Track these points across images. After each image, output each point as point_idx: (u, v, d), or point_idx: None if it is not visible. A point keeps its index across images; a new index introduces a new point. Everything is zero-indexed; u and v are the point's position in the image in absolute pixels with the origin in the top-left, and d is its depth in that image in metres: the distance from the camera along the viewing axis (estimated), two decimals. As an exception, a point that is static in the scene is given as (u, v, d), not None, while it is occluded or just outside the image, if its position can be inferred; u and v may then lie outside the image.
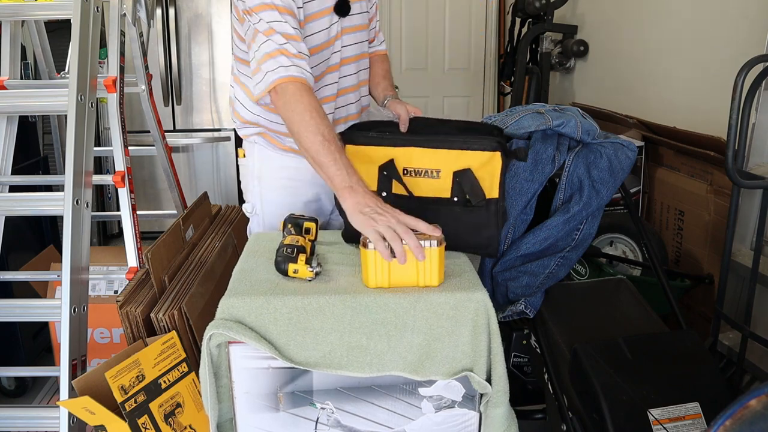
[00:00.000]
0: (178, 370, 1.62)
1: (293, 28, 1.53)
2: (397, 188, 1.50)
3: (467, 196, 1.46)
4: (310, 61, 1.56)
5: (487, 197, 1.46)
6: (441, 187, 1.48)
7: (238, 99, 1.80)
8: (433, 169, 1.47)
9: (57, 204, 1.82)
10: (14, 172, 2.24)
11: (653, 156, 2.89)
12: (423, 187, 1.50)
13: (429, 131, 1.56)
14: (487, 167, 1.44)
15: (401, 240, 1.26)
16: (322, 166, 1.39)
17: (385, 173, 1.48)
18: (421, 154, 1.47)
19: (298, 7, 1.58)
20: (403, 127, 1.57)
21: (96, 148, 2.12)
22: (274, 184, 1.82)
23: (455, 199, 1.48)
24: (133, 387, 1.51)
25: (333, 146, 1.39)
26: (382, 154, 1.49)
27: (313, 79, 1.53)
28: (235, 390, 1.32)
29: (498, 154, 1.42)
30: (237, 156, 4.17)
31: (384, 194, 1.48)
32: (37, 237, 2.79)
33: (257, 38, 1.51)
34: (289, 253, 1.37)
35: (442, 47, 4.94)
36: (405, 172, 1.49)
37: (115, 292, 2.39)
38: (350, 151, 1.49)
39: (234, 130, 3.94)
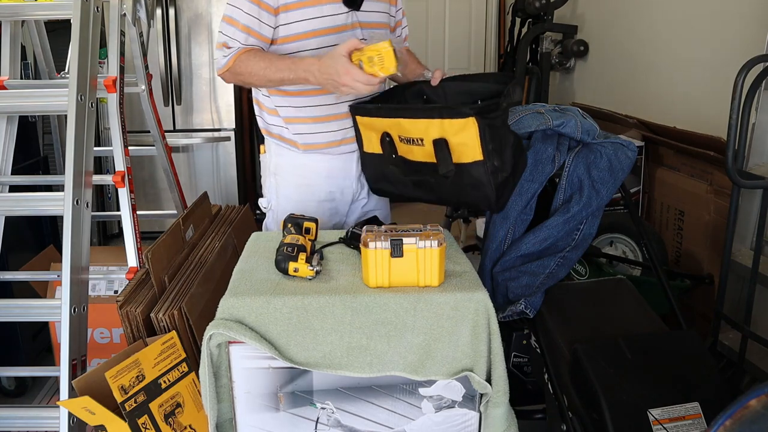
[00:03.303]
0: (178, 370, 1.62)
1: (246, 14, 1.66)
2: (401, 151, 1.62)
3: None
4: (307, 43, 1.70)
5: (473, 160, 1.51)
6: (428, 154, 1.56)
7: (263, 117, 1.86)
8: (418, 138, 1.55)
9: (57, 204, 1.82)
10: (14, 172, 2.23)
11: (653, 156, 2.89)
12: (416, 153, 1.59)
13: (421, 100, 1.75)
14: (464, 132, 1.48)
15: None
16: (294, 82, 1.64)
17: (387, 139, 1.63)
18: (407, 124, 1.56)
19: None
20: (435, 83, 1.71)
21: (96, 148, 2.12)
22: (290, 180, 1.84)
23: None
24: (133, 387, 1.51)
25: (278, 67, 1.62)
26: (380, 124, 1.63)
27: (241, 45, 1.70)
28: (235, 390, 1.32)
29: (471, 119, 1.46)
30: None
31: (394, 156, 1.63)
32: (37, 237, 2.78)
33: (221, 23, 1.74)
34: (290, 251, 1.37)
35: (442, 47, 4.94)
36: (401, 139, 1.60)
37: (115, 292, 2.39)
38: (360, 121, 1.70)
39: (234, 130, 3.95)
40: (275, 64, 1.64)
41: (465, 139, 1.48)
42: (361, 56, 1.49)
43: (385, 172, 1.72)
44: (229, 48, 1.68)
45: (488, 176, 1.52)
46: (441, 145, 1.51)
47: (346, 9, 1.70)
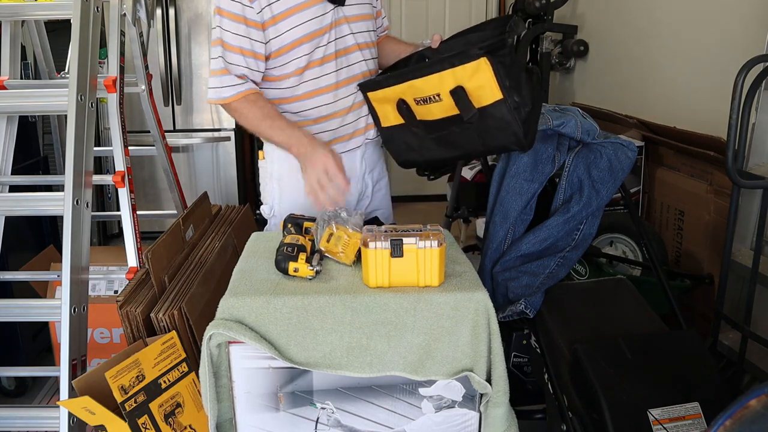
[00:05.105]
0: (178, 370, 1.62)
1: (235, 35, 1.65)
2: (420, 115, 1.61)
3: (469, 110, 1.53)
4: (300, 50, 1.68)
5: (493, 100, 1.49)
6: (448, 107, 1.54)
7: None
8: (434, 94, 1.54)
9: (57, 204, 1.82)
10: (14, 172, 2.23)
11: (653, 156, 2.89)
12: (435, 111, 1.58)
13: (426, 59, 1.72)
14: (479, 75, 1.47)
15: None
16: (278, 144, 1.71)
17: (404, 106, 1.62)
18: (421, 83, 1.54)
19: (262, 8, 1.63)
20: (435, 45, 1.73)
21: (96, 148, 2.12)
22: (293, 185, 1.82)
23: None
24: (133, 387, 1.51)
25: (271, 125, 1.67)
26: (393, 93, 1.62)
27: (254, 85, 1.70)
28: (235, 390, 1.32)
29: (482, 60, 1.45)
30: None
31: (414, 121, 1.64)
32: (37, 237, 2.78)
33: (212, 47, 1.71)
34: (290, 251, 1.37)
35: (442, 47, 4.93)
36: (417, 102, 1.59)
37: (115, 292, 2.39)
38: (372, 97, 1.69)
39: (234, 130, 3.95)
40: (271, 121, 1.66)
41: (481, 82, 1.47)
42: (337, 226, 1.44)
43: (408, 141, 1.71)
44: (231, 76, 1.66)
45: (512, 113, 1.49)
46: (459, 93, 1.50)
47: (331, 6, 1.69)
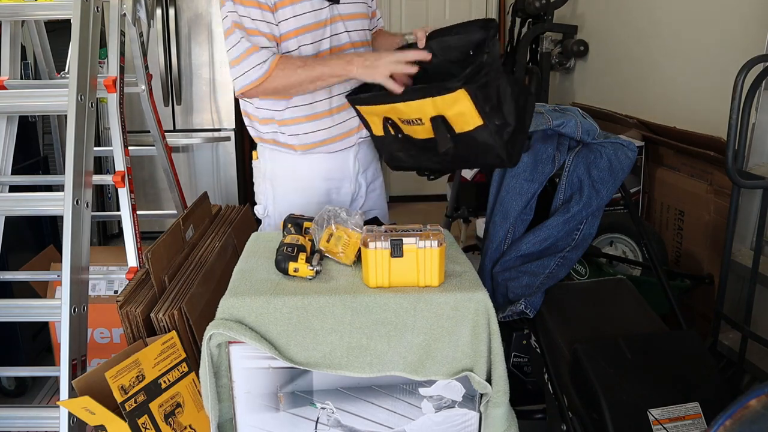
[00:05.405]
0: (178, 370, 1.62)
1: (253, 20, 1.63)
2: (406, 130, 1.62)
3: (449, 135, 1.54)
4: (291, 43, 1.68)
5: (475, 126, 1.50)
6: (430, 130, 1.55)
7: (254, 127, 1.85)
8: (417, 118, 1.55)
9: (57, 204, 1.82)
10: (14, 172, 2.23)
11: (653, 156, 2.89)
12: (419, 132, 1.59)
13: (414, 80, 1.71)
14: (458, 104, 1.47)
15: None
16: (332, 75, 1.64)
17: (390, 122, 1.63)
18: (403, 107, 1.55)
19: None
20: (421, 44, 1.68)
21: (96, 148, 2.12)
22: (287, 185, 1.83)
23: None
24: (133, 387, 1.51)
25: (315, 62, 1.65)
26: (378, 110, 1.62)
27: (276, 50, 1.68)
28: (235, 390, 1.32)
29: (461, 91, 1.45)
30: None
31: (400, 135, 1.65)
32: (37, 237, 2.78)
33: (227, 36, 1.67)
34: (290, 251, 1.37)
35: (442, 47, 4.93)
36: (402, 121, 1.60)
37: (115, 292, 2.39)
38: (361, 109, 1.70)
39: (234, 130, 3.95)
40: (314, 59, 1.66)
41: (461, 109, 1.47)
42: (337, 226, 1.47)
43: (398, 152, 1.71)
44: (259, 53, 1.63)
45: (493, 137, 1.49)
46: (438, 123, 1.50)
47: (327, 3, 1.69)
